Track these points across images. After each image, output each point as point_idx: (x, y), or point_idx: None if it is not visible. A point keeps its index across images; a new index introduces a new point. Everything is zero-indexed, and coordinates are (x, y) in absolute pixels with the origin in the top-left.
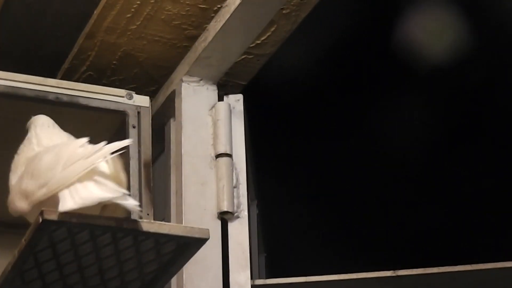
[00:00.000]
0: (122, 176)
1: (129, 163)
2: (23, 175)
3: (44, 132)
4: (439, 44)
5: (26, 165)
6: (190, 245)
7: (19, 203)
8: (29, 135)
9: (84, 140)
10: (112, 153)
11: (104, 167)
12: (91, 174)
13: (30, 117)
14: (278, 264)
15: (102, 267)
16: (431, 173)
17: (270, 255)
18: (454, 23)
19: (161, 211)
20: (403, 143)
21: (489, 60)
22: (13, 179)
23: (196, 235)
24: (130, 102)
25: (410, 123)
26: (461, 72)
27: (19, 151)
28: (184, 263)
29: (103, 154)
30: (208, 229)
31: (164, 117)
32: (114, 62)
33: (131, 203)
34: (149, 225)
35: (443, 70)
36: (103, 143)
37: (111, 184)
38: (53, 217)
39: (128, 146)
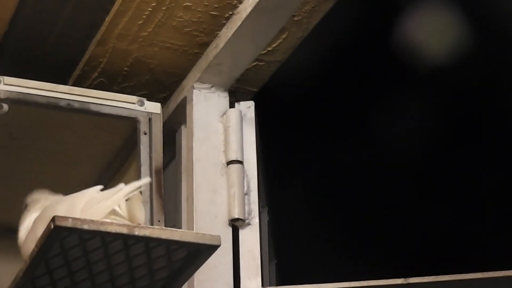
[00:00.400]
0: (139, 213)
1: (140, 170)
2: (37, 224)
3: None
4: (439, 44)
5: (37, 216)
6: (201, 251)
7: None
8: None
9: (100, 187)
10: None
11: (119, 207)
12: (108, 214)
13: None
14: (289, 271)
15: (113, 274)
16: (443, 176)
17: (281, 262)
18: (454, 23)
19: (172, 218)
20: (417, 146)
21: (489, 60)
22: (22, 232)
23: (207, 242)
24: (141, 108)
25: (433, 126)
26: (461, 72)
27: (26, 210)
28: (195, 270)
29: (123, 195)
30: (219, 236)
31: (175, 123)
32: (126, 68)
33: None
34: (161, 232)
35: (444, 70)
36: (121, 184)
37: (127, 222)
38: (65, 223)
39: (139, 152)
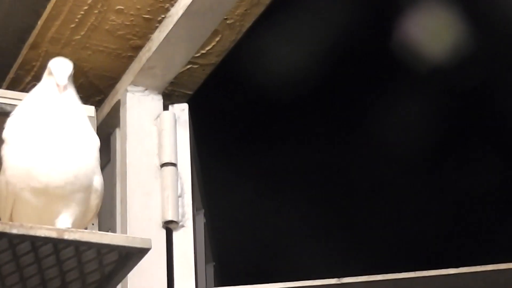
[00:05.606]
0: None
1: None
2: None
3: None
4: (439, 44)
5: None
6: (132, 255)
7: None
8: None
9: None
10: None
11: None
12: None
13: None
14: (228, 273)
15: (44, 278)
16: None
17: (219, 264)
18: (454, 23)
19: (108, 222)
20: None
21: (489, 60)
22: None
23: (138, 245)
24: None
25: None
26: (461, 72)
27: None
28: (127, 273)
29: None
30: (150, 239)
31: (109, 127)
32: None
33: None
34: (90, 235)
35: (443, 70)
36: None
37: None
38: None
39: None
